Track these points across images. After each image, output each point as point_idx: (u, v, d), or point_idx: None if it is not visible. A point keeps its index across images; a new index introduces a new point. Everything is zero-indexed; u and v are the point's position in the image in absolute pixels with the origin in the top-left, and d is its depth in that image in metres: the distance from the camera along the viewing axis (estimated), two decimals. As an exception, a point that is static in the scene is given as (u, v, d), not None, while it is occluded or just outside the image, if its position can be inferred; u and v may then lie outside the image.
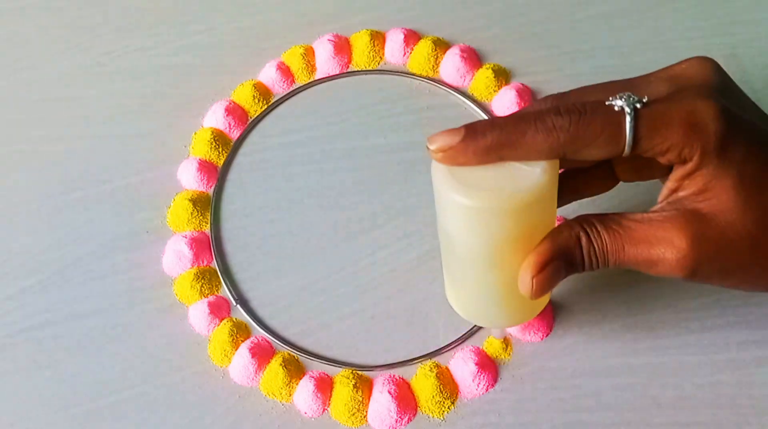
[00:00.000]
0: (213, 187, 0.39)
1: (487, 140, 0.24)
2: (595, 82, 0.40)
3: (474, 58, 0.41)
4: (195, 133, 0.41)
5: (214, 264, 0.37)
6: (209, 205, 0.39)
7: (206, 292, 0.36)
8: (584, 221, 0.26)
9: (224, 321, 0.36)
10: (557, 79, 0.41)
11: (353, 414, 0.33)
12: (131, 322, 0.36)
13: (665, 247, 0.25)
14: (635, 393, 0.33)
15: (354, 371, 0.34)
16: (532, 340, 0.34)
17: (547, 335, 0.34)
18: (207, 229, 0.38)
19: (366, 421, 0.33)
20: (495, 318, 0.29)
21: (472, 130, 0.25)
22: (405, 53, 0.41)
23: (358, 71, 0.42)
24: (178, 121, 0.41)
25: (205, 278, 0.37)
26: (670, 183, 0.26)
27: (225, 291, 0.37)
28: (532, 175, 0.24)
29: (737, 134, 0.25)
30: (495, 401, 0.33)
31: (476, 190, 0.24)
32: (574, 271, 0.26)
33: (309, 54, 0.42)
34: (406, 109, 0.40)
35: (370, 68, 0.42)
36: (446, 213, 0.26)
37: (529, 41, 0.42)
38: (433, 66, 0.41)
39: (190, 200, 0.38)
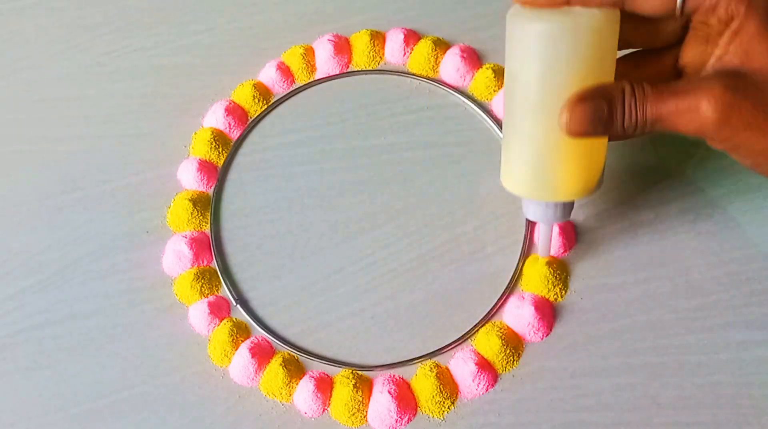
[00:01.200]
0: (213, 187, 0.39)
1: None
2: None
3: (474, 58, 0.41)
4: (195, 133, 0.41)
5: (214, 264, 0.37)
6: (209, 205, 0.39)
7: (206, 292, 0.36)
8: (632, 79, 0.28)
9: (224, 321, 0.36)
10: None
11: (353, 414, 0.33)
12: (131, 322, 0.36)
13: (701, 95, 0.26)
14: (635, 393, 0.33)
15: (354, 371, 0.34)
16: (532, 340, 0.34)
17: (547, 335, 0.34)
18: (207, 229, 0.38)
19: (366, 421, 0.33)
20: (548, 185, 0.30)
21: None
22: (405, 53, 0.41)
23: (358, 71, 0.42)
24: (178, 121, 0.41)
25: (205, 278, 0.37)
26: (717, 50, 0.27)
27: (225, 291, 0.37)
28: (595, 13, 0.27)
29: None
30: (495, 401, 0.33)
31: (547, 16, 0.27)
32: (613, 122, 0.27)
33: (309, 54, 0.42)
34: (406, 109, 0.40)
35: (370, 68, 0.42)
36: (516, 50, 0.28)
37: None
38: (433, 66, 0.41)
39: (190, 200, 0.38)
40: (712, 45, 0.28)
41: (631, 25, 0.29)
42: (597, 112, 0.27)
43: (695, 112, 0.26)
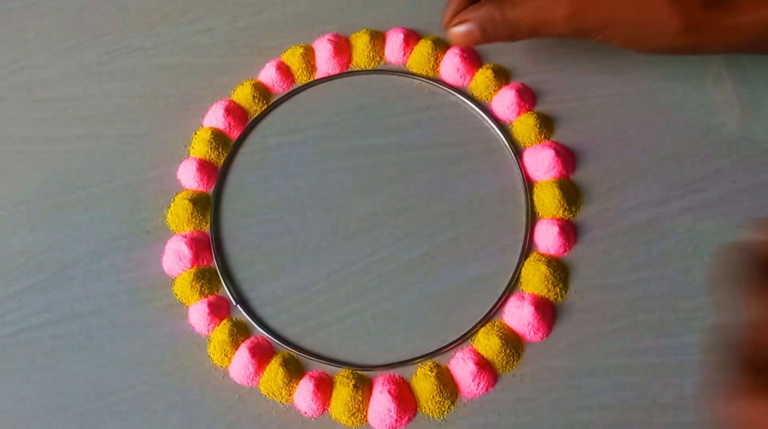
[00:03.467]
0: (213, 187, 0.39)
1: None
2: (596, 82, 0.40)
3: (474, 58, 0.41)
4: (195, 133, 0.41)
5: (214, 264, 0.37)
6: (209, 205, 0.39)
7: (206, 292, 0.36)
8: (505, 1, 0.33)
9: (224, 321, 0.36)
10: (557, 78, 0.40)
11: (353, 414, 0.33)
12: (131, 323, 0.36)
13: (557, 11, 0.32)
14: (636, 393, 0.33)
15: (354, 371, 0.34)
16: (532, 340, 0.34)
17: (547, 335, 0.34)
18: (207, 229, 0.38)
19: (366, 421, 0.33)
20: None
21: None
22: (405, 53, 0.41)
23: (358, 71, 0.42)
24: (178, 121, 0.41)
25: (205, 278, 0.36)
26: None
27: (225, 291, 0.36)
28: None
29: None
30: (495, 401, 0.33)
31: None
32: (486, 39, 0.34)
33: (309, 54, 0.42)
34: (406, 109, 0.40)
35: (370, 68, 0.42)
36: None
37: (529, 41, 0.41)
38: (433, 66, 0.41)
39: (189, 200, 0.38)
40: None
41: None
42: (470, 33, 0.34)
43: (549, 11, 0.32)
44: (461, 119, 0.40)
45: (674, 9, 0.30)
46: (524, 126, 0.39)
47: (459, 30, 0.34)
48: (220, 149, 0.40)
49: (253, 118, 0.41)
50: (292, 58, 0.42)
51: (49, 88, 0.43)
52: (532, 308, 0.34)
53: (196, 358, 0.35)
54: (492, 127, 0.39)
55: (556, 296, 0.35)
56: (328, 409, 0.33)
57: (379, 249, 0.37)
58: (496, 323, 0.35)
